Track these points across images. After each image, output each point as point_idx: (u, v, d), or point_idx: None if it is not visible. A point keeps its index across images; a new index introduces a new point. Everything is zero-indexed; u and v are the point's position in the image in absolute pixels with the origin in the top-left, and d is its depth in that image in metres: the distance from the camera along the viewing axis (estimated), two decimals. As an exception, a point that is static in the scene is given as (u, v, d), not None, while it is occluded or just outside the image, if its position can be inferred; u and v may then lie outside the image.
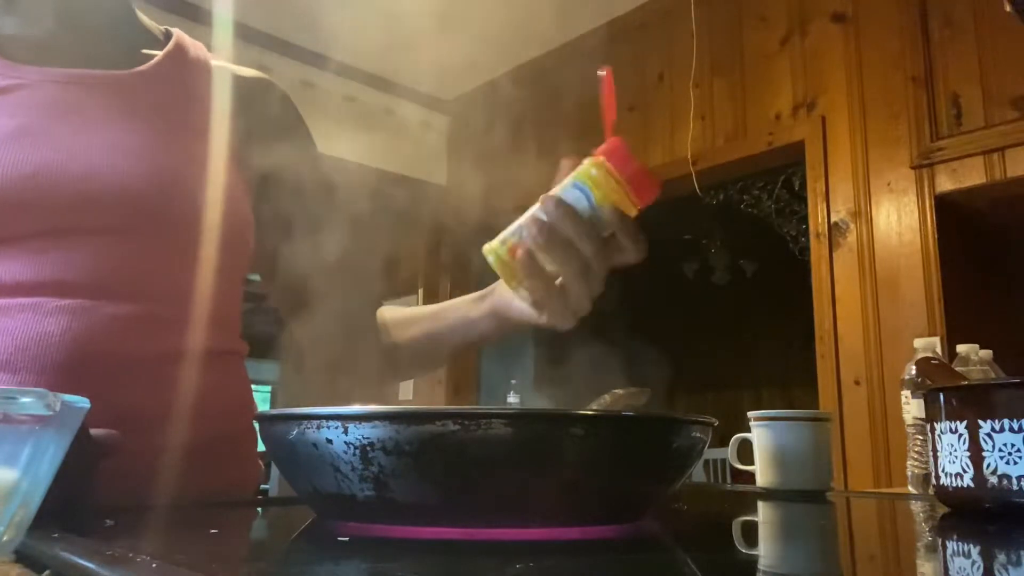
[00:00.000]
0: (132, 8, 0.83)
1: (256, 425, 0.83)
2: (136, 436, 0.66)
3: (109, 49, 0.79)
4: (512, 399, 4.20)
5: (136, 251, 0.70)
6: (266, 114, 0.85)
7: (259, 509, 0.72)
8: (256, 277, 0.90)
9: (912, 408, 1.14)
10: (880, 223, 2.43)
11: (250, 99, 0.84)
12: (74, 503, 0.50)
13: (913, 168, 2.37)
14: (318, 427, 0.43)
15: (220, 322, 0.77)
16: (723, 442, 1.05)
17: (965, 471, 0.57)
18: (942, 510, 0.65)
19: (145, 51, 0.80)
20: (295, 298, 0.86)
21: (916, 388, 1.14)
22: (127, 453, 0.63)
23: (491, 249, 0.64)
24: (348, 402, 0.43)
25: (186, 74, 0.81)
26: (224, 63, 0.86)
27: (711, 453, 4.37)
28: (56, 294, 0.66)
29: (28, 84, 0.72)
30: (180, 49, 0.82)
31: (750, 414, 0.91)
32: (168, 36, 0.84)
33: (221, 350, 0.77)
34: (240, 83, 0.85)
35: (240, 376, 0.81)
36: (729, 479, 4.39)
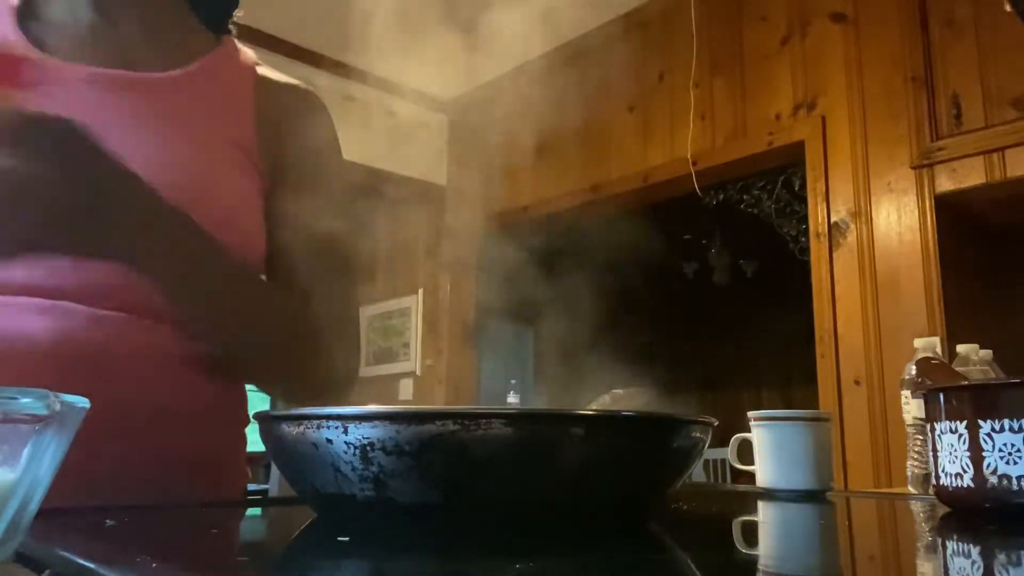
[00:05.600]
0: (185, 6, 0.80)
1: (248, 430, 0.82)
2: (121, 440, 0.65)
3: (150, 48, 0.76)
4: (512, 399, 4.20)
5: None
6: (300, 127, 0.82)
7: (259, 509, 0.72)
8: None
9: (912, 408, 1.14)
10: (880, 223, 2.43)
11: (286, 111, 0.82)
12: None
13: (913, 168, 2.37)
14: (318, 427, 0.43)
15: None
16: (723, 442, 1.05)
17: (965, 471, 0.57)
18: (942, 510, 0.65)
19: (191, 52, 0.78)
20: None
21: (916, 388, 1.14)
22: (112, 457, 0.63)
23: None
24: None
25: (223, 81, 0.79)
26: (269, 71, 0.84)
27: (711, 453, 4.37)
28: (46, 296, 0.65)
29: (56, 81, 0.70)
30: (224, 55, 0.80)
31: (750, 414, 0.91)
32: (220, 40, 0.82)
33: (215, 356, 0.75)
34: (279, 93, 0.83)
35: (231, 382, 0.79)
36: (729, 479, 4.39)
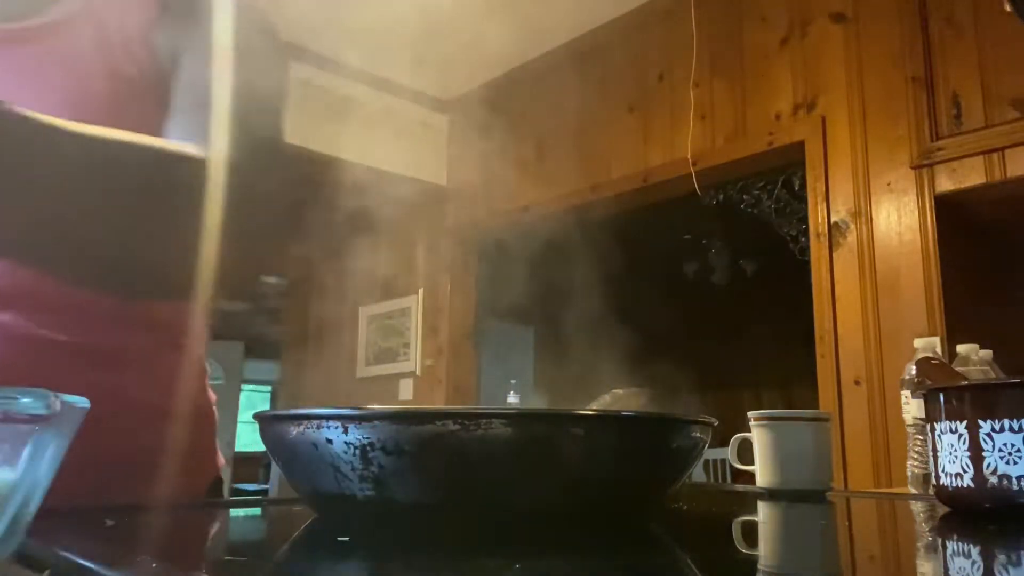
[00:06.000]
0: None
1: (217, 415, 0.79)
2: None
3: None
4: (512, 399, 4.20)
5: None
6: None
7: (259, 509, 0.72)
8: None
9: (912, 408, 1.14)
10: (880, 223, 2.43)
11: (203, 26, 0.67)
12: None
13: (913, 168, 2.37)
14: (318, 427, 0.43)
15: (146, 316, 0.68)
16: (723, 442, 1.05)
17: (965, 471, 0.57)
18: (942, 510, 0.65)
19: None
20: None
21: (916, 388, 1.14)
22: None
23: None
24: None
25: (119, 9, 0.68)
26: None
27: (711, 453, 4.37)
28: None
29: None
30: None
31: (750, 414, 0.91)
32: None
33: (151, 344, 0.69)
34: (194, 7, 0.69)
35: (171, 367, 0.71)
36: (729, 479, 4.39)
